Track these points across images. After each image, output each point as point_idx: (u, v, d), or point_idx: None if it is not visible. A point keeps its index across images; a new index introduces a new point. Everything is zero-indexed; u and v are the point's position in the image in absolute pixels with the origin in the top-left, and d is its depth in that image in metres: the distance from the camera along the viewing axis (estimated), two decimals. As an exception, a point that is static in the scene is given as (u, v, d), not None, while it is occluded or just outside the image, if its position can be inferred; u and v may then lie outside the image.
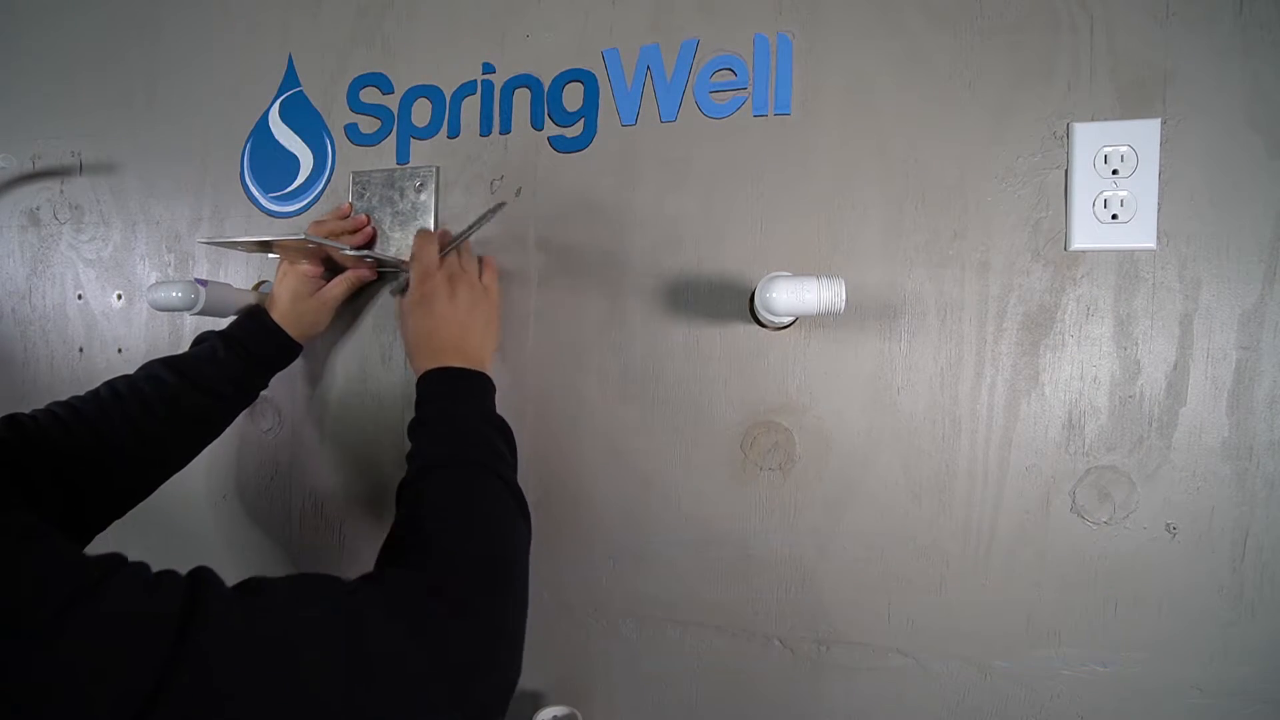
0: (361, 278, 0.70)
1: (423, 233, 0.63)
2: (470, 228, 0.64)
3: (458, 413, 0.54)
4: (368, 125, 0.72)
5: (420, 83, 0.70)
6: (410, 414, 0.55)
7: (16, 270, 0.89)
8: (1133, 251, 0.52)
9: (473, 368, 0.57)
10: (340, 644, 0.33)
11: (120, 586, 0.29)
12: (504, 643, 0.42)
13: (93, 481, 0.54)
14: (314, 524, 0.76)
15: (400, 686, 0.34)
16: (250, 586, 0.35)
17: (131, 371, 0.62)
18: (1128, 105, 0.52)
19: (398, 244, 0.71)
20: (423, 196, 0.70)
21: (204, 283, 0.66)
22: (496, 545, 0.46)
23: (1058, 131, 0.53)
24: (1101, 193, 0.52)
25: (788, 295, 0.49)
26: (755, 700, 0.61)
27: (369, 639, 0.35)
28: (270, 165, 0.76)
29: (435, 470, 0.49)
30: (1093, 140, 0.52)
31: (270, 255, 0.74)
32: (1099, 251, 0.53)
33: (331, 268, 0.70)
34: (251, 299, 0.70)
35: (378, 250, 0.70)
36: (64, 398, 0.59)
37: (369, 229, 0.71)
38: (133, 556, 0.32)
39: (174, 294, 0.65)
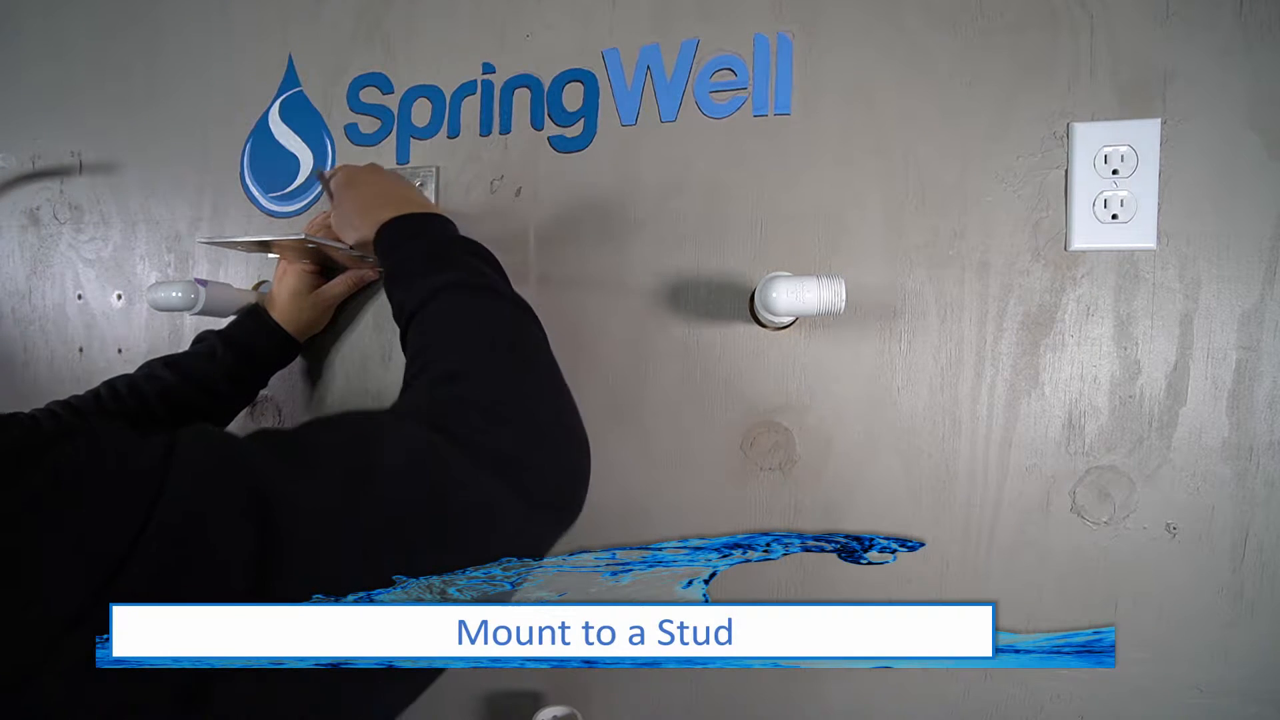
0: (362, 277, 0.70)
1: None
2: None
3: (435, 252, 0.49)
4: (368, 125, 0.72)
5: (420, 83, 0.70)
6: None
7: (16, 270, 0.89)
8: (1133, 251, 0.52)
9: (427, 211, 0.53)
10: (365, 455, 0.32)
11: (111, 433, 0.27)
12: (542, 431, 0.39)
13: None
14: (314, 524, 0.76)
15: (443, 487, 0.33)
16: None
17: (131, 371, 0.62)
18: (1128, 105, 0.52)
19: (398, 244, 0.71)
20: (423, 196, 0.70)
21: (204, 283, 0.66)
22: (502, 346, 0.43)
23: (1058, 131, 0.53)
24: (1101, 193, 0.52)
25: (788, 295, 0.49)
26: (755, 700, 0.61)
27: (395, 450, 0.33)
28: (270, 165, 0.76)
29: (427, 305, 0.45)
30: (1093, 140, 0.52)
31: (270, 255, 0.74)
32: (1099, 251, 0.53)
33: (331, 267, 0.70)
34: (251, 299, 0.70)
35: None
36: (64, 397, 0.59)
37: None
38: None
39: (174, 294, 0.65)
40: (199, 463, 0.27)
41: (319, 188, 0.74)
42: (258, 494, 0.27)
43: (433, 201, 0.59)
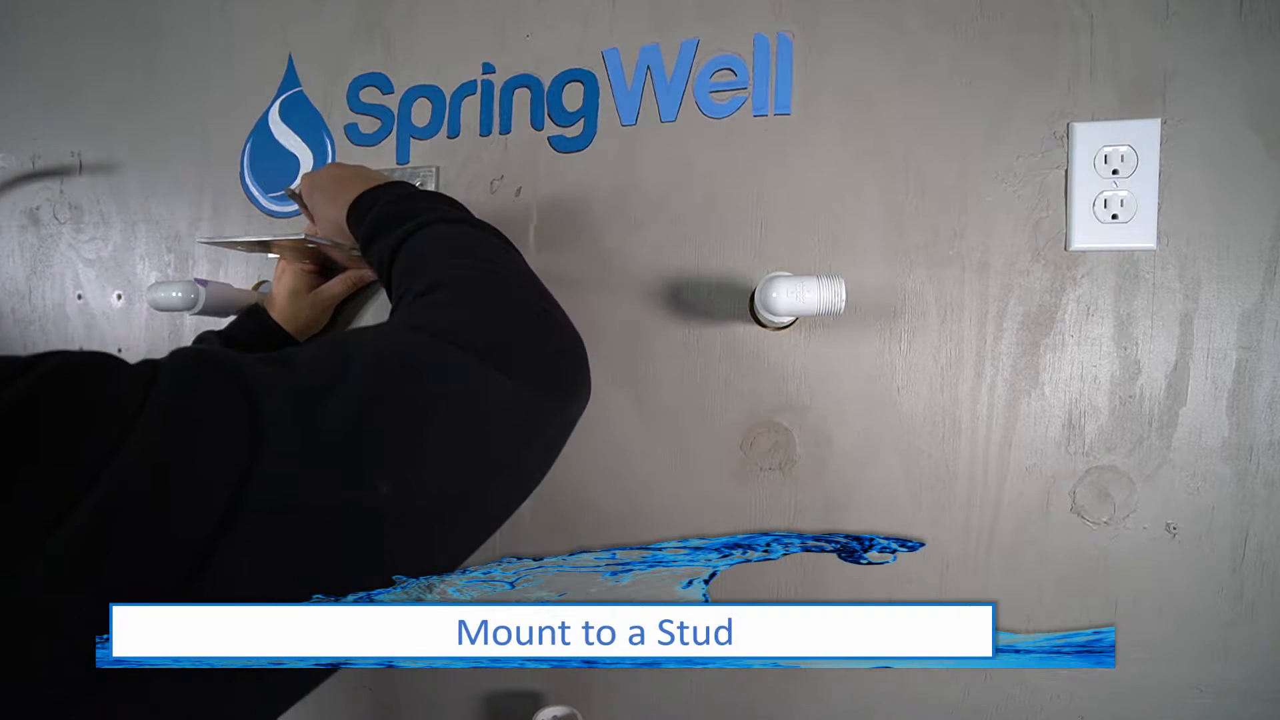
0: (361, 277, 0.70)
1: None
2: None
3: (403, 208, 0.50)
4: (368, 125, 0.72)
5: (420, 83, 0.70)
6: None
7: (16, 270, 0.89)
8: (1133, 251, 0.52)
9: (383, 182, 0.54)
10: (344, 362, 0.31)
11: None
12: (524, 321, 0.39)
13: None
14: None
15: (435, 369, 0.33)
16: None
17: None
18: (1128, 105, 0.52)
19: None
20: (423, 196, 0.70)
21: (204, 283, 0.66)
22: (475, 256, 0.44)
23: (1058, 131, 0.53)
24: (1101, 193, 0.52)
25: (788, 295, 0.49)
26: (756, 700, 0.61)
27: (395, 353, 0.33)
28: (270, 165, 0.76)
29: (401, 246, 0.46)
30: (1093, 140, 0.52)
31: (270, 255, 0.74)
32: (1099, 251, 0.53)
33: (330, 267, 0.70)
34: (251, 299, 0.70)
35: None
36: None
37: None
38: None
39: (174, 294, 0.65)
40: (184, 355, 0.28)
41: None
42: (242, 382, 0.27)
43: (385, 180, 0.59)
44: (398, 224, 0.47)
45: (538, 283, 0.45)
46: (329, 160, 0.74)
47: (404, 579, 0.30)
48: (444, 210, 0.49)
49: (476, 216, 0.51)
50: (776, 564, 0.60)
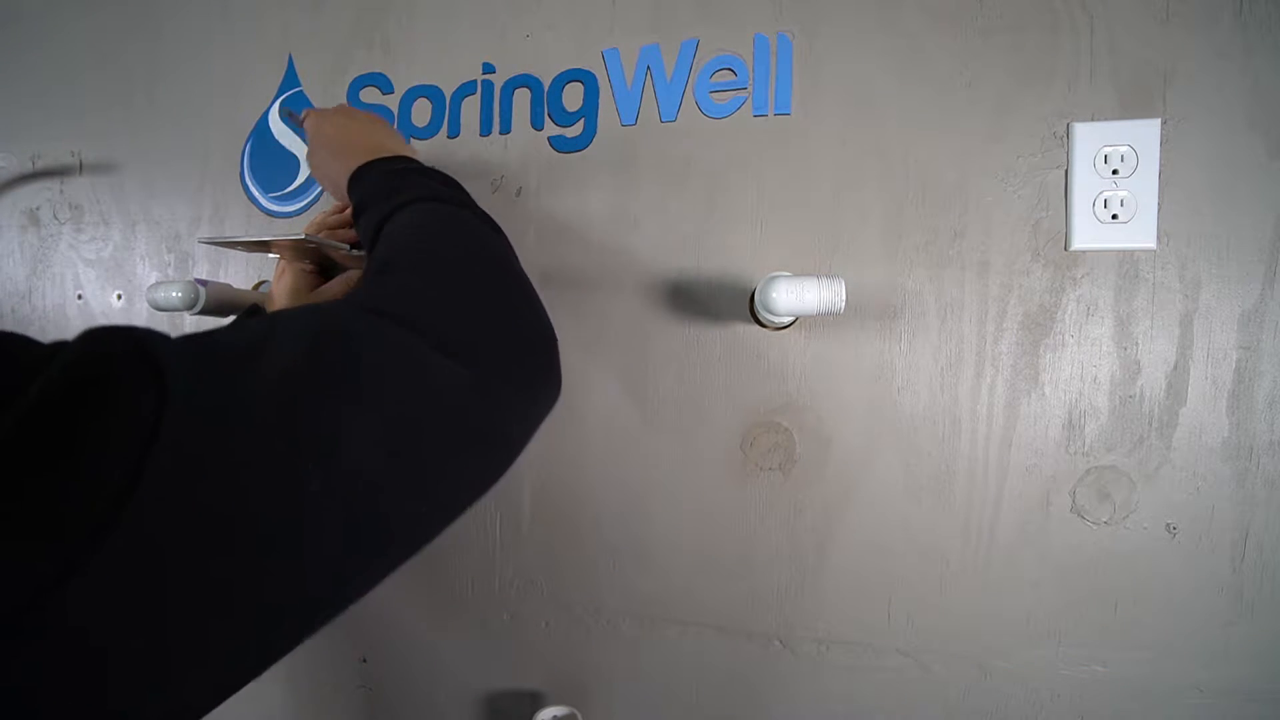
0: (361, 277, 0.70)
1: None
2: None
3: (397, 182, 0.48)
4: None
5: (420, 83, 0.70)
6: None
7: (16, 270, 0.89)
8: (1133, 251, 0.52)
9: (393, 153, 0.53)
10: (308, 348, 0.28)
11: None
12: (494, 307, 0.37)
13: None
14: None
15: (394, 363, 0.30)
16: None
17: None
18: (1128, 105, 0.52)
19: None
20: (423, 196, 0.70)
21: (204, 283, 0.66)
22: (448, 236, 0.42)
23: (1058, 131, 0.53)
24: (1101, 193, 0.52)
25: (788, 295, 0.49)
26: (755, 700, 0.61)
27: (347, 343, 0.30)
28: (270, 165, 0.76)
29: (387, 221, 0.44)
30: (1093, 140, 0.52)
31: (270, 255, 0.74)
32: (1099, 251, 0.53)
33: (330, 267, 0.70)
34: (251, 299, 0.70)
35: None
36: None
37: None
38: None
39: (174, 294, 0.65)
40: (90, 330, 0.24)
41: (319, 187, 0.74)
42: (149, 345, 0.24)
43: (396, 139, 0.58)
44: (387, 198, 0.46)
45: (515, 270, 0.42)
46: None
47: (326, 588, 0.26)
48: (435, 189, 0.47)
49: (468, 195, 0.50)
50: (778, 563, 0.60)
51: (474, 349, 0.33)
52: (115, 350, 0.23)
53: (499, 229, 0.46)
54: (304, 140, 0.60)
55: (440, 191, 0.47)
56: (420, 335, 0.32)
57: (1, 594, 0.19)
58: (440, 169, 0.53)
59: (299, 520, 0.25)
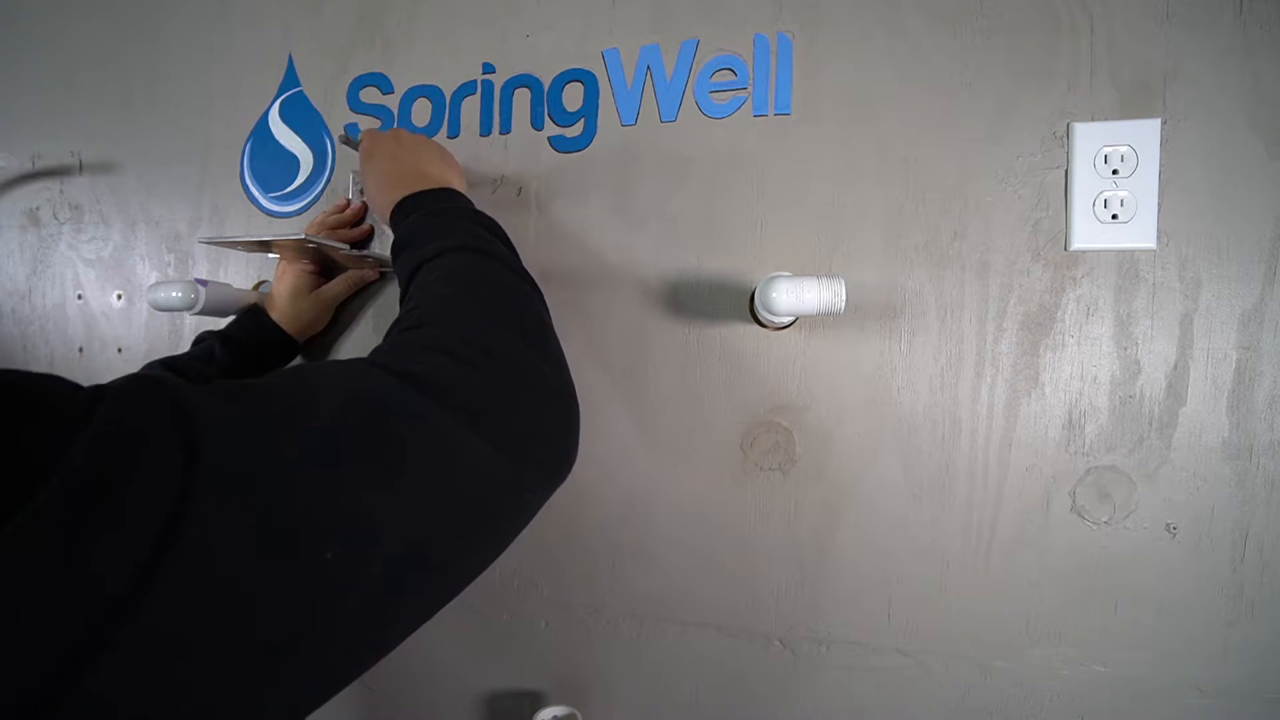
0: (362, 277, 0.70)
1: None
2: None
3: (439, 223, 0.48)
4: (368, 125, 0.72)
5: (420, 83, 0.70)
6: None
7: (16, 270, 0.89)
8: (1133, 251, 0.52)
9: (438, 185, 0.53)
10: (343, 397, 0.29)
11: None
12: (517, 379, 0.36)
13: None
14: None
15: (413, 429, 0.30)
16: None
17: (131, 372, 0.62)
18: (1128, 105, 0.52)
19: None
20: (423, 196, 0.70)
21: (204, 283, 0.66)
22: (484, 293, 0.41)
23: (1058, 131, 0.53)
24: (1101, 193, 0.52)
25: (788, 295, 0.49)
26: (755, 700, 0.61)
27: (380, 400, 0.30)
28: (270, 165, 0.76)
29: (421, 268, 0.44)
30: (1093, 140, 0.52)
31: (270, 255, 0.74)
32: (1099, 251, 0.53)
33: (331, 267, 0.70)
34: (251, 299, 0.70)
35: (376, 249, 0.70)
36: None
37: (366, 225, 0.71)
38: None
39: (174, 294, 0.65)
40: (126, 386, 0.24)
41: (319, 187, 0.74)
42: (183, 412, 0.24)
43: (451, 171, 0.58)
44: (425, 242, 0.46)
45: (548, 337, 0.41)
46: (329, 160, 0.74)
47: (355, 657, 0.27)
48: (474, 236, 0.47)
49: (511, 245, 0.50)
50: (778, 563, 0.60)
51: (504, 430, 0.33)
52: (148, 427, 0.23)
53: (534, 284, 0.45)
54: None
55: (479, 240, 0.46)
56: (451, 409, 0.31)
57: (30, 668, 0.19)
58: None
59: (315, 598, 0.25)
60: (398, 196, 0.52)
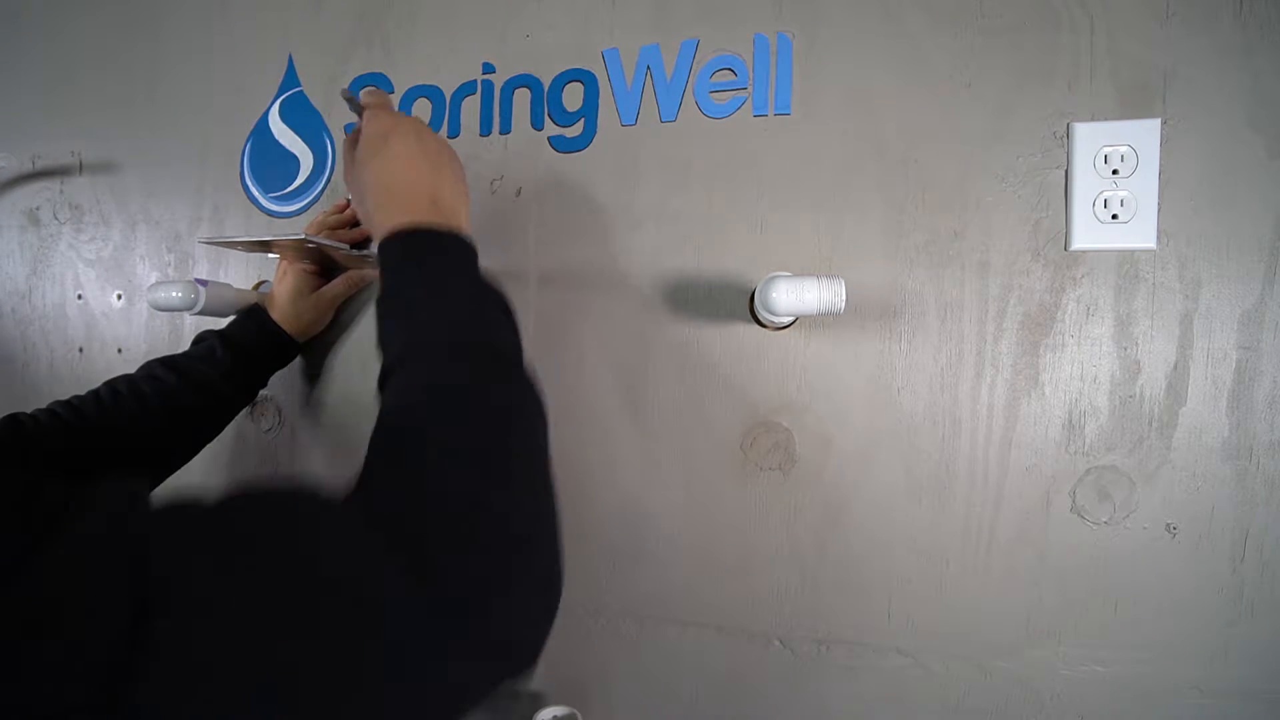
0: (362, 278, 0.70)
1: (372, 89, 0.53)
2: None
3: (431, 294, 0.42)
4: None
5: (420, 83, 0.70)
6: None
7: (16, 270, 0.89)
8: (1133, 251, 0.52)
9: (448, 228, 0.44)
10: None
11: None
12: (507, 568, 0.33)
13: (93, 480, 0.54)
14: (314, 524, 0.76)
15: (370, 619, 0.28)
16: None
17: (131, 372, 0.62)
18: (1128, 105, 0.52)
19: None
20: (423, 196, 0.70)
21: (204, 283, 0.66)
22: (485, 443, 0.36)
23: (1058, 131, 0.53)
24: (1101, 193, 0.52)
25: (788, 295, 0.49)
26: (755, 700, 0.61)
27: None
28: (270, 165, 0.76)
29: (416, 357, 0.39)
30: (1093, 140, 0.52)
31: (270, 255, 0.74)
32: (1099, 251, 0.53)
33: (331, 267, 0.70)
34: (251, 299, 0.70)
35: (376, 249, 0.70)
36: (64, 398, 0.59)
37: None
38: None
39: (174, 294, 0.65)
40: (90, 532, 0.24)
41: (319, 187, 0.74)
42: (151, 579, 0.24)
43: (461, 201, 0.49)
44: (415, 315, 0.41)
45: (539, 475, 0.37)
46: (329, 160, 0.74)
47: None
48: (478, 325, 0.41)
49: (513, 320, 0.44)
50: (778, 561, 0.60)
51: (484, 610, 0.31)
52: (102, 568, 0.23)
53: (536, 392, 0.40)
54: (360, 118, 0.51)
55: (475, 330, 0.41)
56: (427, 585, 0.29)
57: None
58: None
59: None
60: (398, 222, 0.43)
